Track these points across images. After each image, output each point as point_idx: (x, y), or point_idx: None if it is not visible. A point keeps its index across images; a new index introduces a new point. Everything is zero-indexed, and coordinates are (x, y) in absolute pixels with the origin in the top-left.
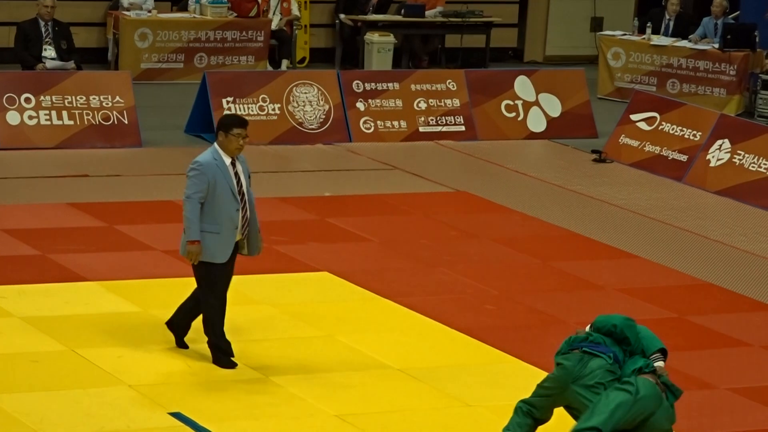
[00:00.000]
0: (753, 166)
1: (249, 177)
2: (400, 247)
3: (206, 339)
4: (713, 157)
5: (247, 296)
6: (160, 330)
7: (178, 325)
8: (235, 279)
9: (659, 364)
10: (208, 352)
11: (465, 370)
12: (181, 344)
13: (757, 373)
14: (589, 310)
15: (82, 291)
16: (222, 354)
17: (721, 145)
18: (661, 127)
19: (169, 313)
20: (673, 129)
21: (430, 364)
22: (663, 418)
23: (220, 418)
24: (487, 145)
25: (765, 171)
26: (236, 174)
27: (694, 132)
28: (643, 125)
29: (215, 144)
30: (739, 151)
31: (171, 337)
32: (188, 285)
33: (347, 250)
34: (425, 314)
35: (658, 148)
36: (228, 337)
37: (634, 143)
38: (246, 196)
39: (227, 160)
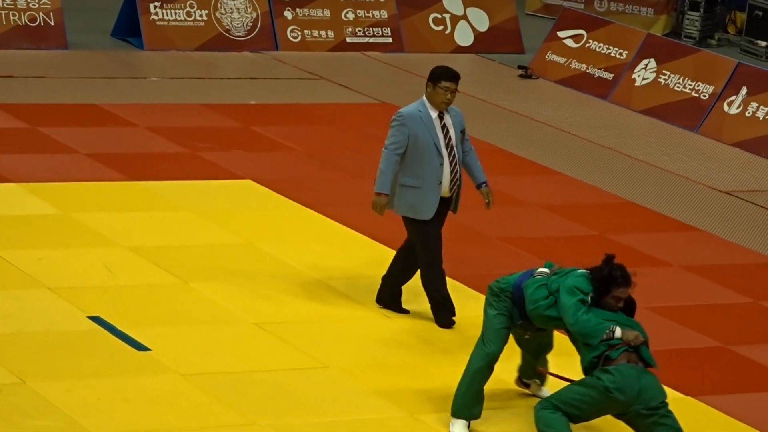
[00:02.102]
0: (678, 87)
1: (463, 131)
2: (324, 157)
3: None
4: (639, 76)
5: (170, 202)
6: (81, 233)
7: (391, 291)
8: (156, 185)
9: None
10: (132, 259)
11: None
12: (402, 310)
13: (675, 293)
14: (512, 226)
15: (3, 192)
16: (445, 311)
17: (647, 65)
18: (587, 44)
19: (92, 216)
20: (599, 47)
21: (352, 275)
22: None
23: (138, 323)
24: (413, 57)
25: (689, 91)
26: (443, 127)
27: (621, 51)
28: (570, 42)
29: (424, 95)
30: (664, 71)
31: (97, 244)
32: (111, 189)
33: (271, 158)
34: (347, 225)
35: (584, 65)
36: (146, 240)
37: (561, 60)
38: (455, 150)
39: (433, 113)
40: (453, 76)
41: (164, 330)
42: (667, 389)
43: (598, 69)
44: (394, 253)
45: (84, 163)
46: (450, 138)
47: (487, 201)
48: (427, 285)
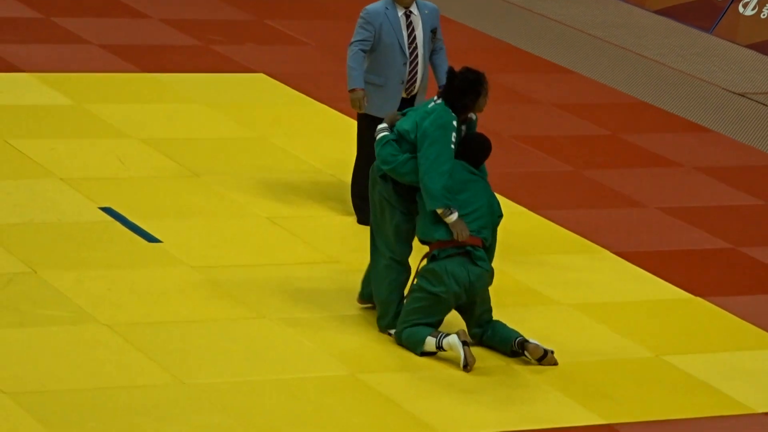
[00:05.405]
0: None
1: (434, 30)
2: (338, 51)
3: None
4: None
5: (182, 95)
6: (93, 124)
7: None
8: (169, 77)
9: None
10: (144, 150)
11: None
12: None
13: (686, 194)
14: (521, 124)
15: (16, 82)
16: (361, 213)
17: None
18: None
19: (104, 108)
20: None
21: None
22: None
23: (149, 215)
24: None
25: None
26: (409, 26)
27: None
28: None
29: None
30: None
31: (109, 135)
32: (124, 81)
33: (284, 52)
34: None
35: None
36: (158, 132)
37: None
38: (417, 50)
39: (400, 11)
40: None
41: (175, 222)
42: (676, 289)
43: None
44: None
45: (97, 54)
46: (415, 36)
47: None
48: (356, 182)
